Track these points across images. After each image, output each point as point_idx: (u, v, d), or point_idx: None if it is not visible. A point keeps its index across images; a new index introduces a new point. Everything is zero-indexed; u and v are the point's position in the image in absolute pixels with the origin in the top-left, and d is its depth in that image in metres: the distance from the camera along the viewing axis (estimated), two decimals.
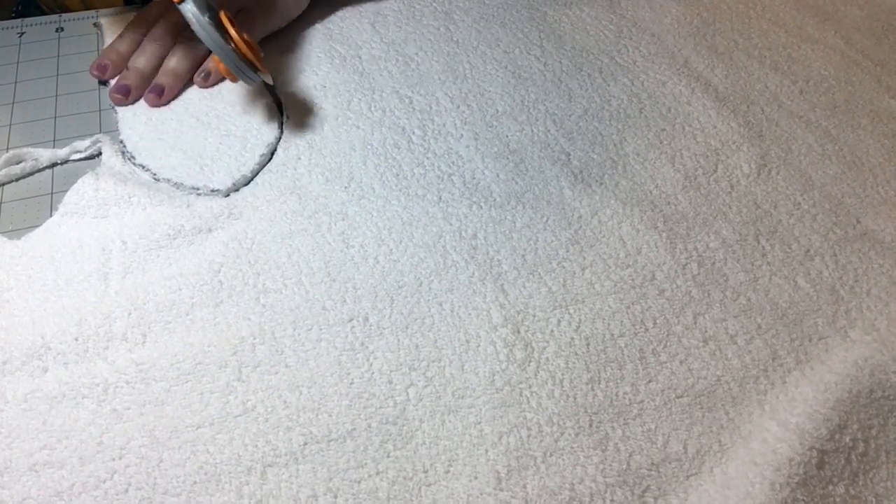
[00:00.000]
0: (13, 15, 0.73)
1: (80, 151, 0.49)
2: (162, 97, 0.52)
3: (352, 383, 0.38)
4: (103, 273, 0.42)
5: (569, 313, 0.42)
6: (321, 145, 0.51)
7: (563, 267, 0.44)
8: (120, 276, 0.42)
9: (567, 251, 0.45)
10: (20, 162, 0.48)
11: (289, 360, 0.39)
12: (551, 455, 0.36)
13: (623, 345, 0.41)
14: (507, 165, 0.50)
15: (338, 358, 0.39)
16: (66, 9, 0.70)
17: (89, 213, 0.44)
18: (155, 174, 0.48)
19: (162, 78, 0.52)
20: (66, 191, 0.45)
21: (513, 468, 0.35)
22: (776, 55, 0.62)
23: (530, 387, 0.38)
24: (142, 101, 0.52)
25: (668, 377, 0.39)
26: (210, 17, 0.46)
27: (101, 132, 0.51)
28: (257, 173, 0.49)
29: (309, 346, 0.39)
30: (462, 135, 0.53)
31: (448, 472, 0.35)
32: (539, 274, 0.44)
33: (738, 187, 0.50)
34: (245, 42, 0.47)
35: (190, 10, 0.45)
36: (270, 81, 0.51)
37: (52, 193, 0.47)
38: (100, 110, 0.53)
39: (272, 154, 0.50)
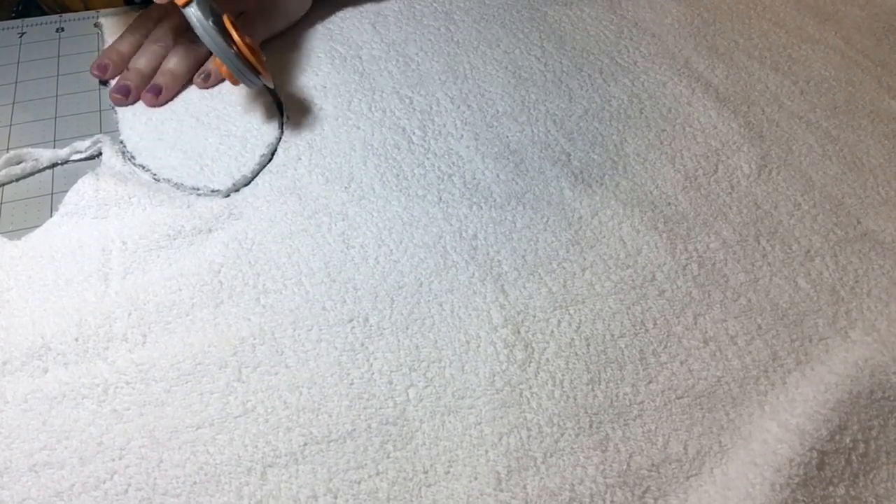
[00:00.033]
0: (13, 15, 0.73)
1: (81, 152, 0.49)
2: (159, 97, 0.52)
3: (352, 384, 0.38)
4: (103, 273, 0.42)
5: (569, 314, 0.42)
6: (321, 146, 0.51)
7: (564, 267, 0.44)
8: (120, 277, 0.42)
9: (567, 252, 0.45)
10: (20, 162, 0.48)
11: (289, 361, 0.39)
12: (551, 456, 0.36)
13: (623, 345, 0.41)
14: (507, 166, 0.50)
15: (338, 358, 0.39)
16: (66, 9, 0.70)
17: (89, 213, 0.44)
18: (155, 174, 0.48)
19: (160, 78, 0.52)
20: (66, 191, 0.45)
21: (513, 469, 0.35)
22: (777, 55, 0.62)
23: (530, 387, 0.38)
24: (142, 102, 0.52)
25: (669, 378, 0.39)
26: (214, 21, 0.46)
27: (101, 132, 0.51)
28: (257, 173, 0.49)
29: (309, 347, 0.39)
30: (462, 135, 0.53)
31: (448, 472, 0.35)
32: (539, 274, 0.44)
33: (739, 188, 0.50)
34: (247, 46, 0.47)
35: (194, 13, 0.46)
36: (271, 85, 0.51)
37: (52, 194, 0.47)
38: (100, 110, 0.53)
39: (272, 154, 0.50)
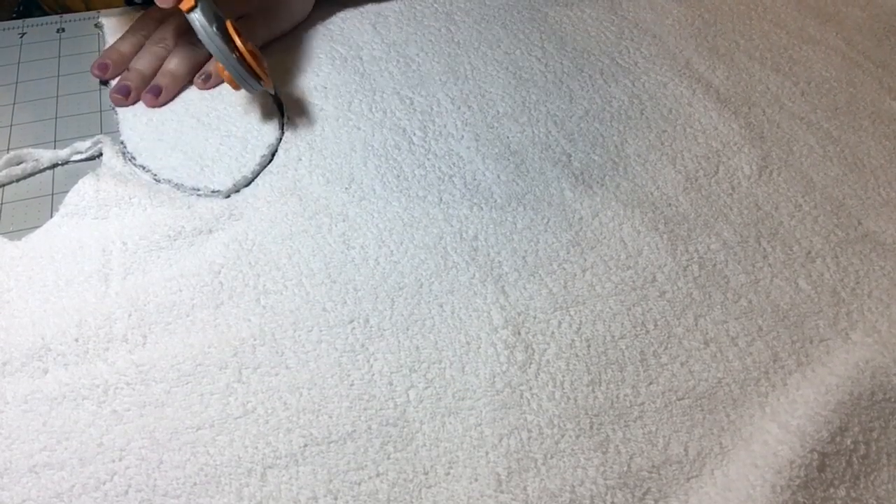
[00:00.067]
0: (14, 16, 0.73)
1: (81, 152, 0.49)
2: (159, 98, 0.52)
3: (352, 385, 0.38)
4: (104, 274, 0.42)
5: (569, 315, 0.42)
6: (322, 146, 0.51)
7: (564, 268, 0.44)
8: (120, 278, 0.42)
9: (568, 253, 0.45)
10: (21, 163, 0.48)
11: (289, 362, 0.39)
12: (552, 457, 0.36)
13: (624, 347, 0.41)
14: (507, 167, 0.50)
15: (338, 359, 0.39)
16: (67, 9, 0.70)
17: (90, 213, 0.44)
18: (155, 175, 0.48)
19: (160, 79, 0.52)
20: (66, 192, 0.45)
21: (513, 470, 0.35)
22: (777, 56, 0.62)
23: (531, 389, 0.38)
24: (142, 102, 0.52)
25: (669, 379, 0.39)
26: (217, 27, 0.46)
27: (101, 133, 0.51)
28: (258, 174, 0.49)
29: (309, 348, 0.39)
30: (463, 136, 0.53)
31: (448, 474, 0.35)
32: (540, 275, 0.44)
33: (740, 189, 0.50)
34: (250, 52, 0.47)
35: (198, 19, 0.46)
36: (272, 91, 0.51)
37: (52, 194, 0.47)
38: (101, 111, 0.53)
39: (273, 155, 0.50)
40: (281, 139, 0.51)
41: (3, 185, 0.47)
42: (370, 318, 0.41)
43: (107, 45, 0.56)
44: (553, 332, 0.41)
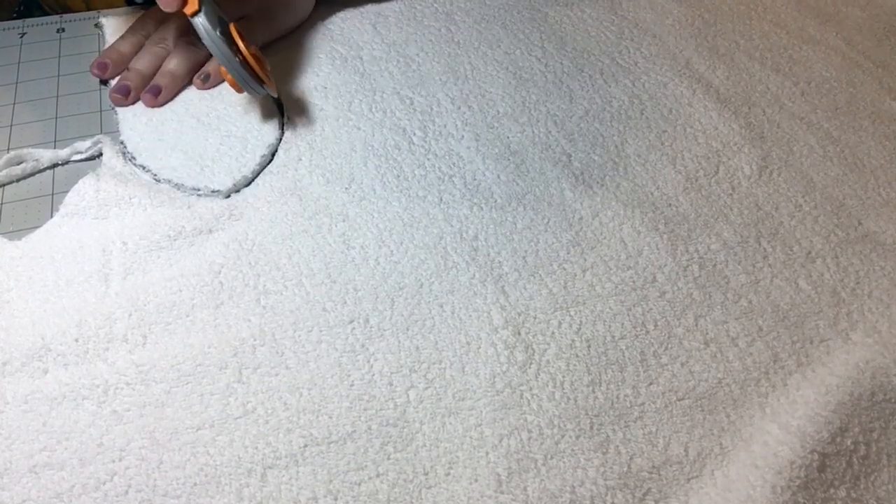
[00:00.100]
0: (14, 16, 0.73)
1: (81, 152, 0.49)
2: (159, 98, 0.52)
3: (352, 385, 0.38)
4: (104, 274, 0.42)
5: (570, 315, 0.42)
6: (322, 146, 0.51)
7: (564, 269, 0.44)
8: (120, 278, 0.42)
9: (568, 253, 0.45)
10: (21, 163, 0.48)
11: (289, 362, 0.39)
12: (552, 457, 0.36)
13: (624, 347, 0.41)
14: (507, 167, 0.50)
15: (338, 360, 0.39)
16: (68, 9, 0.70)
17: (90, 213, 0.44)
18: (155, 175, 0.48)
19: (160, 79, 0.52)
20: (66, 192, 0.45)
21: (513, 471, 0.35)
22: (777, 56, 0.62)
23: (531, 389, 0.38)
24: (141, 102, 0.52)
25: (669, 379, 0.39)
26: (221, 31, 0.46)
27: (102, 133, 0.51)
28: (258, 174, 0.49)
29: (309, 348, 0.39)
30: (463, 136, 0.53)
31: (448, 474, 0.35)
32: (540, 276, 0.44)
33: (740, 189, 0.50)
34: (253, 56, 0.48)
35: (202, 23, 0.46)
36: (275, 94, 0.52)
37: (52, 194, 0.47)
38: (101, 111, 0.53)
39: (273, 155, 0.50)
40: (281, 139, 0.51)
41: (3, 185, 0.47)
42: (370, 318, 0.41)
43: (107, 45, 0.56)
44: (553, 333, 0.41)
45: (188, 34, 0.54)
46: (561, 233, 0.46)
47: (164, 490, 0.34)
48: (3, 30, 0.59)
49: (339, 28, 0.61)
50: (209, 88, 0.54)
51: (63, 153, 0.49)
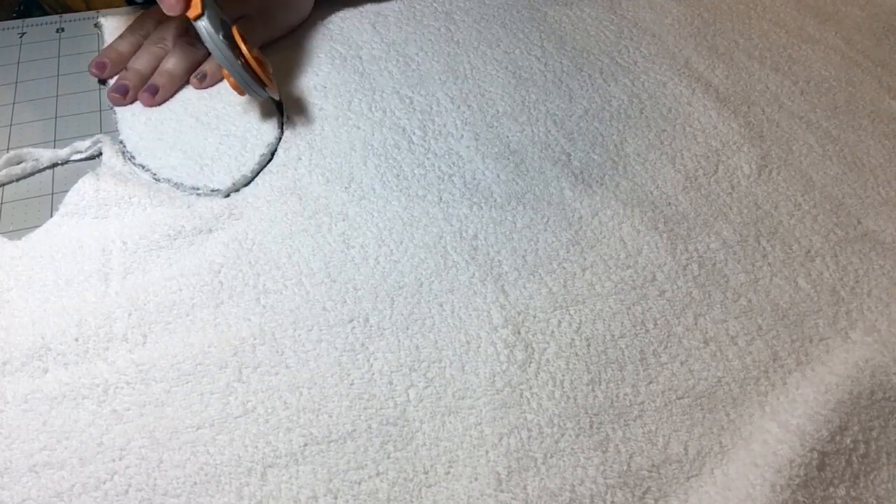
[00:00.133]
0: (14, 15, 0.73)
1: (81, 152, 0.49)
2: (156, 97, 0.52)
3: (352, 384, 0.38)
4: (104, 273, 0.42)
5: (569, 314, 0.42)
6: (322, 146, 0.51)
7: (564, 268, 0.44)
8: (120, 277, 0.42)
9: (568, 252, 0.45)
10: (21, 162, 0.48)
11: (289, 361, 0.39)
12: (552, 456, 0.36)
13: (624, 346, 0.41)
14: (507, 166, 0.50)
15: (338, 359, 0.39)
16: (68, 9, 0.70)
17: (90, 213, 0.44)
18: (155, 174, 0.48)
19: (157, 78, 0.52)
20: (66, 191, 0.45)
21: (513, 469, 0.35)
22: (777, 56, 0.62)
23: (531, 388, 0.38)
24: (139, 101, 0.52)
25: (669, 378, 0.39)
26: (224, 35, 0.47)
27: (101, 132, 0.51)
28: (257, 173, 0.49)
29: (309, 347, 0.39)
30: (462, 135, 0.53)
31: (448, 473, 0.35)
32: (540, 275, 0.44)
33: (739, 188, 0.50)
34: (255, 58, 0.48)
35: (204, 26, 0.46)
36: (277, 97, 0.52)
37: (52, 194, 0.47)
38: (100, 110, 0.53)
39: (272, 154, 0.50)
40: (280, 138, 0.51)
41: (3, 185, 0.47)
42: (370, 317, 0.41)
43: (106, 45, 0.56)
44: (553, 332, 0.41)
45: (187, 34, 0.54)
46: (560, 232, 0.46)
47: (165, 489, 0.34)
48: (3, 29, 0.59)
49: (339, 27, 0.61)
50: (206, 88, 0.54)
51: (63, 153, 0.49)
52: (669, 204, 0.49)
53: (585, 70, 0.59)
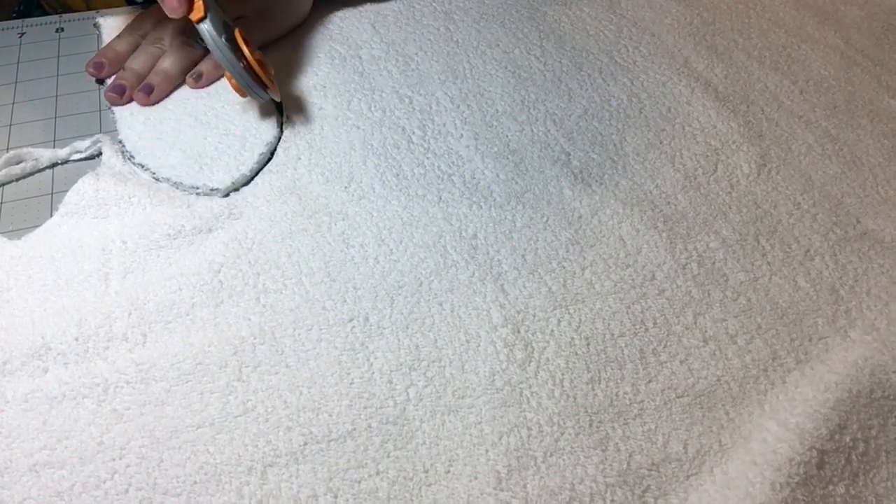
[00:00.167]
0: (14, 15, 0.73)
1: (81, 151, 0.49)
2: (150, 96, 0.52)
3: (352, 383, 0.38)
4: (103, 273, 0.42)
5: (569, 313, 0.42)
6: (321, 145, 0.51)
7: (564, 267, 0.44)
8: (120, 276, 0.42)
9: (567, 251, 0.45)
10: (20, 162, 0.48)
11: (289, 360, 0.39)
12: (551, 455, 0.36)
13: (623, 345, 0.41)
14: (507, 165, 0.50)
15: (338, 358, 0.39)
16: (68, 9, 0.70)
17: (89, 213, 0.44)
18: (154, 173, 0.48)
19: (153, 77, 0.52)
20: (66, 191, 0.45)
21: (513, 468, 0.35)
22: (776, 55, 0.62)
23: (530, 387, 0.38)
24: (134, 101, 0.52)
25: (669, 377, 0.39)
26: (226, 37, 0.47)
27: (101, 132, 0.51)
28: (257, 173, 0.49)
29: (309, 346, 0.39)
30: (462, 135, 0.53)
31: (448, 472, 0.35)
32: (539, 274, 0.44)
33: (738, 187, 0.50)
34: (257, 61, 0.48)
35: (207, 29, 0.46)
36: (279, 99, 0.52)
37: (52, 193, 0.47)
38: (100, 110, 0.53)
39: (272, 154, 0.50)
40: (280, 138, 0.51)
41: (3, 185, 0.47)
42: (370, 316, 0.41)
43: (104, 45, 0.56)
44: (552, 331, 0.41)
45: (184, 33, 0.54)
46: (560, 231, 0.46)
47: (165, 488, 0.34)
48: (3, 29, 0.59)
49: (338, 27, 0.61)
50: (202, 87, 0.54)
51: (62, 152, 0.49)
52: (669, 203, 0.49)
53: (585, 69, 0.59)
